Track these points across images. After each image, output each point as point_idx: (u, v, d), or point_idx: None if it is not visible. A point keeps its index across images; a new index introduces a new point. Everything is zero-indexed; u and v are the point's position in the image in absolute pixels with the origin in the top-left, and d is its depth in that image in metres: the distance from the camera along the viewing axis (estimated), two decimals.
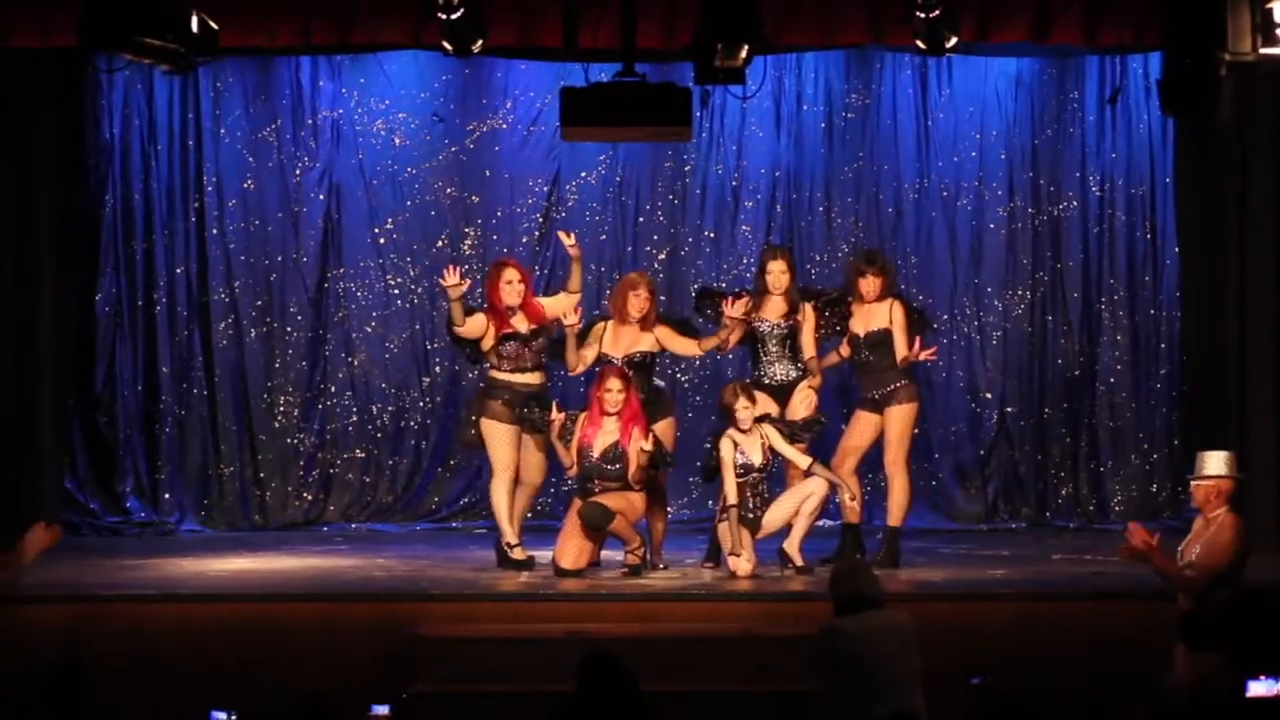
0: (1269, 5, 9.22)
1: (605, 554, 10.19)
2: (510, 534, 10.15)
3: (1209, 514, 7.94)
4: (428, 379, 12.49)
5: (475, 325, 10.10)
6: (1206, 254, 11.65)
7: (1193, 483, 8.03)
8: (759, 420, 9.86)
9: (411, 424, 12.44)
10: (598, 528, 9.82)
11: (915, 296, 12.50)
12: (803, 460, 9.90)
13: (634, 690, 6.38)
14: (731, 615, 9.15)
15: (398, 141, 12.53)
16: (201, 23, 9.10)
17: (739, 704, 8.66)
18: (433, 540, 11.32)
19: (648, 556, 10.04)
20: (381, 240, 12.51)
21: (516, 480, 10.17)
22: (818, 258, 12.57)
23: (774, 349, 10.24)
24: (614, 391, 9.82)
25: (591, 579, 9.82)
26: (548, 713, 6.50)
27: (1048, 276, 12.57)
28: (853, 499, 9.93)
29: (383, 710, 6.72)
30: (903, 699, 6.52)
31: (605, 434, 9.87)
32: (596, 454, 9.86)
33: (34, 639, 8.76)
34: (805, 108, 12.57)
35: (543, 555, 10.24)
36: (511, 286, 10.10)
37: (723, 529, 9.85)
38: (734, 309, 9.95)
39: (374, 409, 12.51)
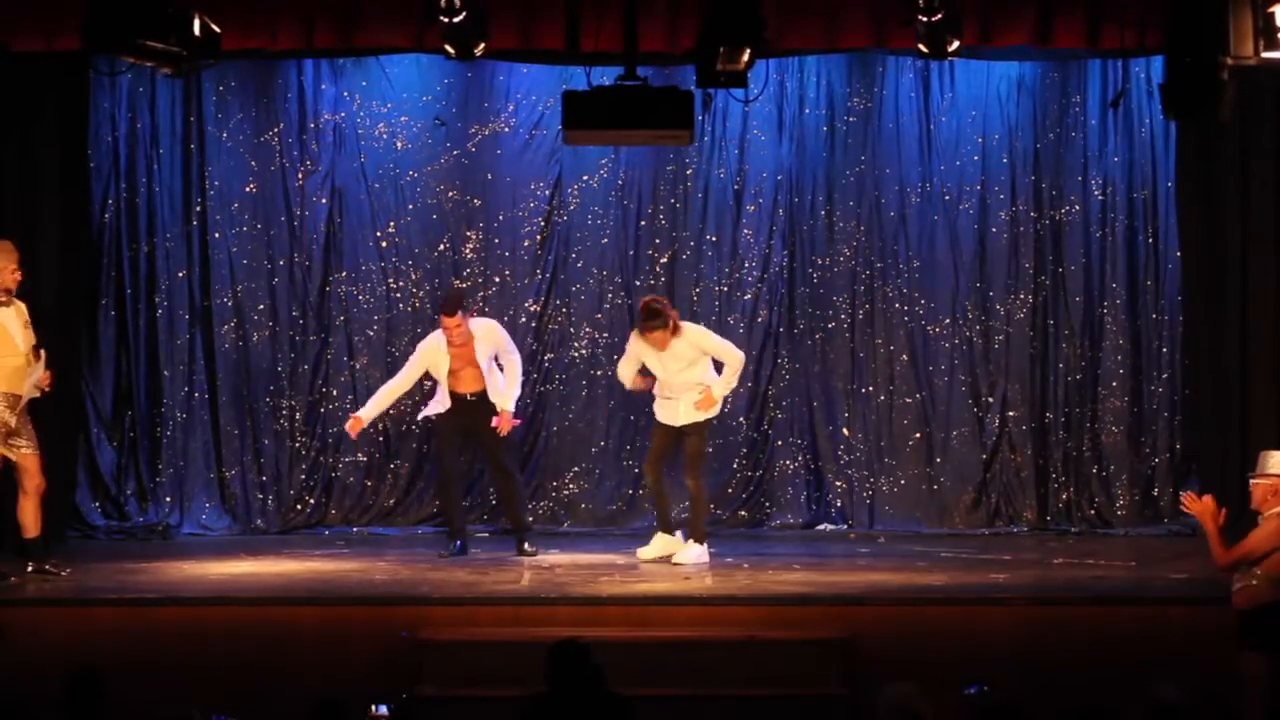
0: (1270, 9, 9.21)
1: (606, 557, 10.19)
2: None
3: (1266, 513, 7.97)
4: (430, 382, 12.48)
5: None
6: (1208, 258, 11.63)
7: (1251, 480, 8.04)
8: None
9: (413, 427, 12.41)
10: None
11: (917, 300, 12.53)
12: None
13: (601, 682, 6.39)
14: (732, 619, 9.15)
15: (399, 145, 12.52)
16: (203, 26, 9.09)
17: (739, 708, 8.66)
18: (434, 544, 11.30)
19: None
20: (383, 244, 12.50)
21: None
22: (819, 261, 12.56)
23: None
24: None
25: (592, 582, 9.84)
26: (516, 713, 6.49)
27: (1049, 281, 12.56)
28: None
29: (384, 710, 6.76)
30: None
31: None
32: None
33: (35, 642, 8.77)
34: (807, 111, 12.57)
35: (545, 558, 10.23)
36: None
37: None
38: None
39: None
